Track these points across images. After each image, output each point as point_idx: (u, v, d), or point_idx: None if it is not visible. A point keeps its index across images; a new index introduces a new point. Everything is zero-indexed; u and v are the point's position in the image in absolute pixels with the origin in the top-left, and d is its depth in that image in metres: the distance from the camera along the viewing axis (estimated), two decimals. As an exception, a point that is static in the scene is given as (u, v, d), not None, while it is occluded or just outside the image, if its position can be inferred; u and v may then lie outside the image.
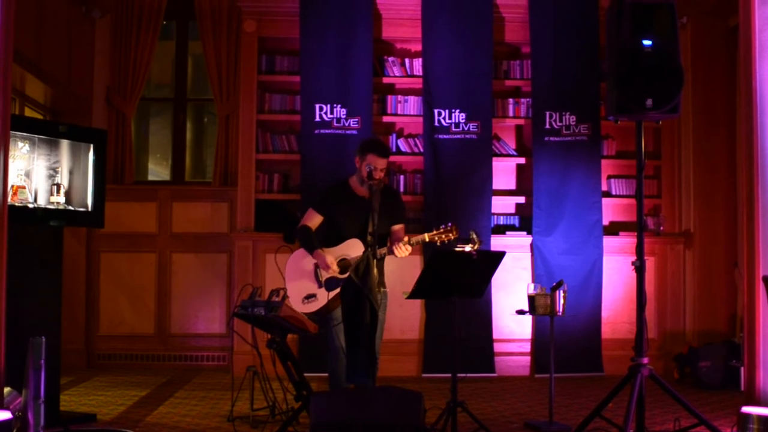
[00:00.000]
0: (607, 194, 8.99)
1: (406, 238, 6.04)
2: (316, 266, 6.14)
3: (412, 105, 8.96)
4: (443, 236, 6.04)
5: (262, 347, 5.80)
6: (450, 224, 6.08)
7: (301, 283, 6.13)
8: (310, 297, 6.07)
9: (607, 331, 8.60)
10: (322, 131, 8.59)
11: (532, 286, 6.27)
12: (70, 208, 6.22)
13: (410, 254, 6.16)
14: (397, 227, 6.32)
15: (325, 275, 6.08)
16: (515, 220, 9.01)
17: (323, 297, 6.02)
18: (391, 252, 6.03)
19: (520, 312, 6.31)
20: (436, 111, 8.65)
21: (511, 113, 9.04)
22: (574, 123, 8.70)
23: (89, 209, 6.32)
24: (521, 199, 9.04)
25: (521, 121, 9.07)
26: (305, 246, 6.22)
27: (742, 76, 6.19)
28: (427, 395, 5.59)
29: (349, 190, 6.30)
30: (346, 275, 5.96)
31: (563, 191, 8.62)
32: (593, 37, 8.72)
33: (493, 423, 6.09)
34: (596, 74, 8.70)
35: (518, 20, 8.92)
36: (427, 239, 6.07)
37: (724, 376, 7.82)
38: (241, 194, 8.69)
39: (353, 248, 6.06)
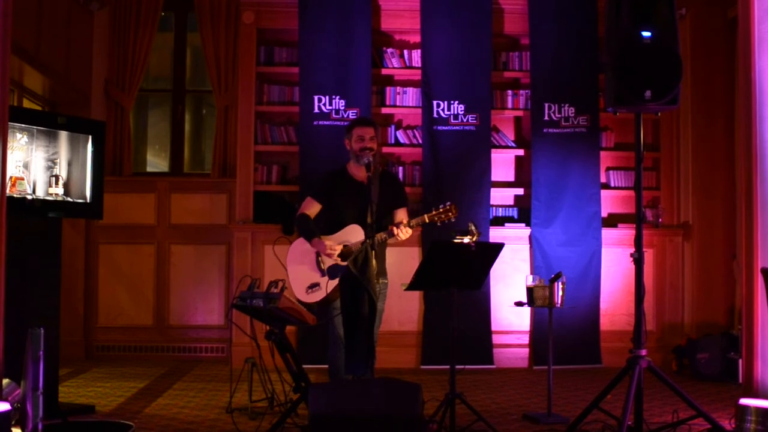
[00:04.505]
0: (606, 186, 9.00)
1: (405, 221, 5.98)
2: (318, 255, 6.07)
3: (410, 96, 8.95)
4: (443, 216, 5.99)
5: (260, 339, 5.80)
6: (449, 204, 6.01)
7: (304, 272, 6.08)
8: (313, 286, 6.02)
9: (605, 323, 8.61)
10: (320, 123, 8.59)
11: (530, 277, 6.27)
12: (69, 199, 6.21)
13: (409, 246, 6.15)
14: (400, 211, 6.23)
15: (327, 263, 6.03)
16: (514, 212, 9.01)
17: (327, 285, 5.97)
18: (391, 234, 5.97)
19: (519, 304, 6.32)
20: (434, 102, 8.65)
21: (510, 105, 9.04)
22: (573, 114, 8.70)
23: (88, 201, 6.31)
24: (520, 191, 9.05)
25: (520, 113, 9.07)
26: (304, 234, 6.13)
27: (741, 68, 6.19)
28: (425, 387, 5.61)
29: (347, 175, 6.24)
30: (347, 263, 5.92)
31: (562, 183, 8.62)
32: (592, 28, 8.71)
33: (492, 415, 6.10)
34: (595, 65, 8.70)
35: (517, 11, 8.91)
36: (427, 220, 6.01)
37: (723, 367, 7.83)
38: (239, 186, 8.69)
39: (354, 234, 5.99)
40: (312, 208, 6.26)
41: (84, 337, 8.97)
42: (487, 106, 8.72)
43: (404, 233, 5.94)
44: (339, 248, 5.95)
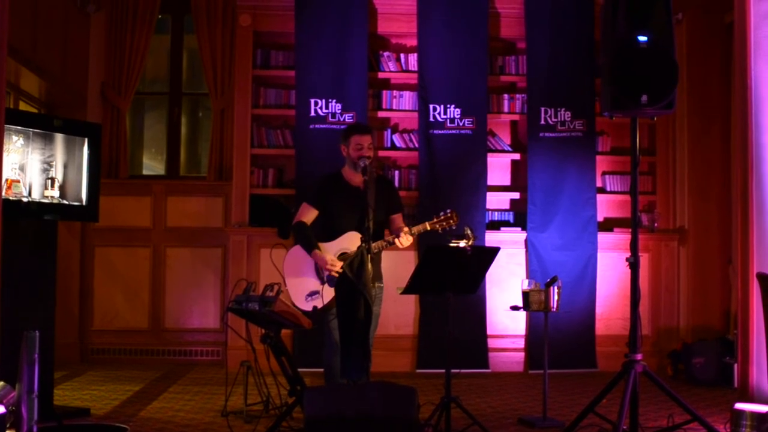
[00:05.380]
0: (602, 190, 9.00)
1: (406, 229, 5.94)
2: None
3: (407, 100, 8.95)
4: (444, 223, 5.96)
5: (256, 342, 5.80)
6: (449, 211, 6.00)
7: (303, 279, 6.03)
8: (313, 294, 5.96)
9: (601, 327, 8.61)
10: (317, 126, 8.58)
11: (526, 281, 6.27)
12: (65, 202, 6.20)
13: (405, 250, 6.12)
14: (396, 217, 6.21)
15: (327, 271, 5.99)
16: (510, 216, 9.00)
17: (326, 293, 5.91)
18: (391, 243, 5.95)
19: (515, 308, 6.31)
20: (431, 106, 8.65)
21: (506, 109, 9.04)
22: (569, 119, 8.71)
23: (83, 203, 6.30)
24: (516, 195, 9.05)
25: (516, 117, 9.08)
26: (303, 244, 6.05)
27: (737, 73, 6.21)
28: (421, 390, 5.60)
29: (342, 180, 6.18)
30: (346, 269, 5.90)
31: (558, 187, 8.62)
32: (588, 32, 8.71)
33: (487, 419, 6.10)
34: (591, 70, 8.69)
35: (514, 15, 8.92)
36: (428, 227, 5.97)
37: (718, 372, 7.84)
38: (235, 189, 8.68)
39: (352, 241, 5.91)
40: (309, 215, 6.19)
41: (79, 340, 8.96)
42: (484, 110, 8.72)
43: (406, 241, 5.92)
44: (339, 265, 5.89)
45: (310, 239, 6.03)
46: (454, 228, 5.98)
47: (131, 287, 9.06)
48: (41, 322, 5.67)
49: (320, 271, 5.98)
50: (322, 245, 6.00)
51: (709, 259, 8.69)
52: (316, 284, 5.97)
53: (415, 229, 5.96)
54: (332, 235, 6.04)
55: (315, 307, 5.92)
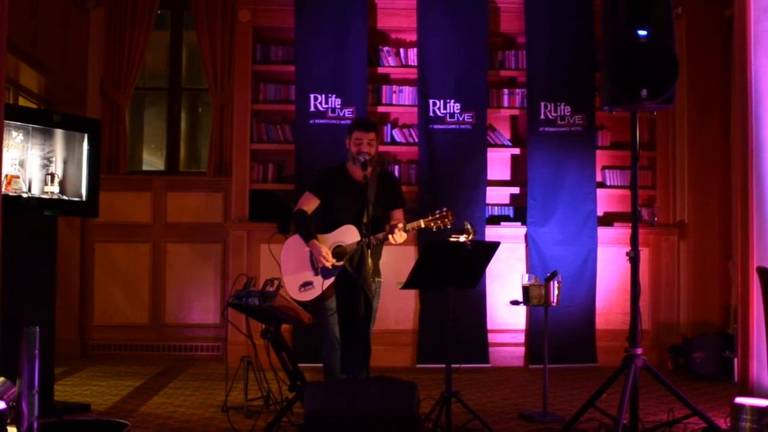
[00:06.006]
0: (602, 185, 8.99)
1: (401, 225, 5.93)
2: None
3: (406, 95, 8.95)
4: (439, 222, 5.96)
5: (256, 337, 5.80)
6: (445, 209, 6.00)
7: (298, 270, 6.04)
8: (306, 285, 5.99)
9: (601, 322, 8.61)
10: (316, 121, 8.58)
11: (526, 276, 6.27)
12: (65, 197, 6.20)
13: (404, 245, 6.11)
14: (397, 212, 6.21)
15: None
16: (510, 211, 9.00)
17: (320, 285, 5.95)
18: (384, 239, 5.95)
19: (515, 302, 6.31)
20: (430, 101, 8.65)
21: (506, 104, 9.03)
22: (569, 113, 8.70)
23: (83, 199, 6.30)
24: (516, 190, 9.04)
25: (516, 112, 9.08)
26: (302, 233, 6.08)
27: (737, 67, 6.20)
28: (421, 385, 5.60)
29: (346, 173, 6.19)
30: (342, 263, 5.90)
31: (558, 182, 8.62)
32: (588, 27, 8.71)
33: (487, 413, 6.10)
34: (591, 64, 8.69)
35: (513, 10, 8.91)
36: (423, 225, 5.97)
37: (718, 367, 7.84)
38: (235, 184, 8.69)
39: (348, 235, 5.95)
40: (310, 204, 6.21)
41: (79, 336, 8.96)
42: (483, 104, 8.72)
43: (399, 237, 5.91)
44: (332, 261, 5.90)
45: (309, 228, 6.05)
46: (449, 227, 5.96)
47: (131, 283, 9.06)
48: (41, 317, 5.67)
49: (316, 262, 5.98)
50: (319, 237, 6.00)
51: (709, 253, 8.68)
52: (311, 275, 5.98)
53: (409, 226, 5.94)
54: (331, 227, 6.05)
55: (309, 301, 5.93)
